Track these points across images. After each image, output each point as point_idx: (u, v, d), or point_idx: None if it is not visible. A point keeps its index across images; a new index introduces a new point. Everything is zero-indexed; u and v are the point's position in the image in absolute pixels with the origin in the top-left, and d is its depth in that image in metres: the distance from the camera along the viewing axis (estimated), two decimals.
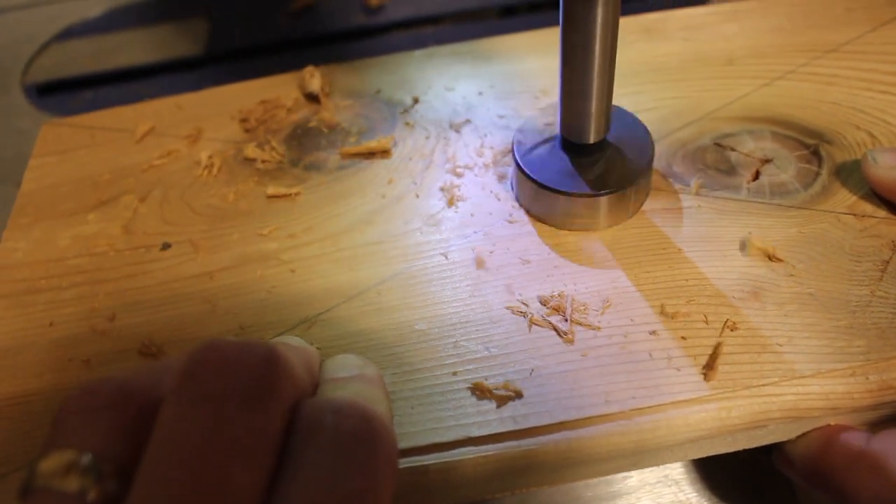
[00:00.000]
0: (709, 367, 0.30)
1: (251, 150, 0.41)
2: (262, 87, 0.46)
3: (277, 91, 0.45)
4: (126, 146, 0.44)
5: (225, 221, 0.39)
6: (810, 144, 0.38)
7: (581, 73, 0.32)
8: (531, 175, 0.35)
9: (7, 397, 0.33)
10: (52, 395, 0.33)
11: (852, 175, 0.37)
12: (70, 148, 0.44)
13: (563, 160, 0.36)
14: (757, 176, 0.37)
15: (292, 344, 0.31)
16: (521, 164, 0.36)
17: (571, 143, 0.35)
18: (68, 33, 0.65)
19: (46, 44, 0.64)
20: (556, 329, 0.32)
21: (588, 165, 0.35)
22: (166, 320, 0.35)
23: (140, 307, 0.36)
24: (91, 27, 0.65)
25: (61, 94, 0.60)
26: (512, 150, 0.37)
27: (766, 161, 0.38)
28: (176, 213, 0.39)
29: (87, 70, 0.61)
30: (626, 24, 0.46)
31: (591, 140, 0.34)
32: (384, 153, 0.41)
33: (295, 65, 0.57)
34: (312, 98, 0.44)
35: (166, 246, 0.38)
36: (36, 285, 0.37)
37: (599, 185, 0.34)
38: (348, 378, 0.29)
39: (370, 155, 0.41)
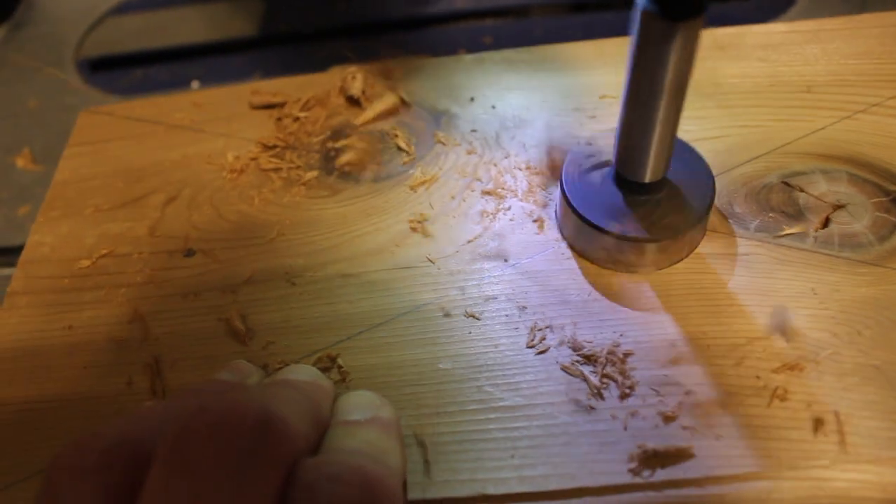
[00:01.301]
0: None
1: (279, 160, 0.39)
2: (303, 84, 0.44)
3: (318, 89, 0.43)
4: (161, 140, 0.42)
5: (252, 230, 0.37)
6: (891, 191, 0.35)
7: (645, 108, 0.29)
8: (578, 209, 0.33)
9: (19, 401, 0.33)
10: (62, 405, 0.32)
11: None
12: (105, 139, 0.43)
13: (615, 196, 0.33)
14: (826, 223, 0.34)
15: (302, 378, 0.29)
16: (568, 195, 0.33)
17: (626, 179, 0.32)
18: (124, 7, 0.64)
19: (101, 18, 0.63)
20: (587, 381, 0.30)
21: (641, 205, 0.32)
22: (182, 335, 0.34)
23: (158, 318, 0.35)
24: (147, 1, 0.64)
25: (112, 70, 0.59)
26: (560, 178, 0.34)
27: (839, 207, 0.34)
28: (203, 217, 0.38)
29: (140, 47, 0.60)
30: None
31: (648, 180, 0.32)
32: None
33: (345, 53, 0.55)
34: (353, 101, 0.42)
35: (190, 253, 0.37)
36: (59, 284, 0.37)
37: (652, 230, 0.32)
38: (361, 423, 0.27)
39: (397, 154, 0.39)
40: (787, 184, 0.35)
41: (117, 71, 0.59)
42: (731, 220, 0.34)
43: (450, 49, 0.55)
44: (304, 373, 0.30)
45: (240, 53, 0.59)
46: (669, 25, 0.26)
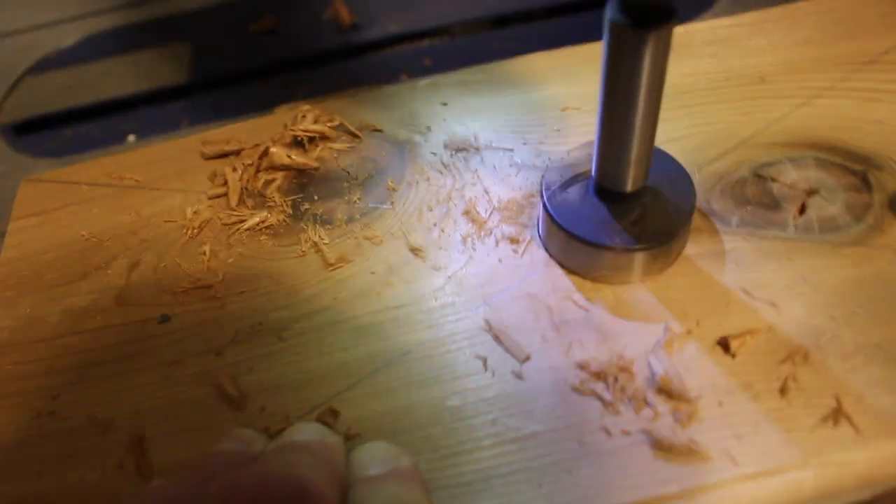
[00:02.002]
0: None
1: (242, 211, 0.38)
2: (253, 128, 0.42)
3: (270, 131, 0.42)
4: (113, 202, 0.40)
5: (227, 287, 0.35)
6: (857, 171, 0.35)
7: (623, 119, 0.29)
8: (563, 226, 0.32)
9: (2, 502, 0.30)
10: (50, 499, 0.30)
11: None
12: (52, 207, 0.41)
13: (598, 208, 0.33)
14: (803, 209, 0.34)
15: (310, 438, 0.28)
16: (551, 212, 0.33)
17: (607, 190, 0.32)
18: (43, 65, 0.61)
19: (20, 78, 0.60)
20: (600, 399, 0.30)
21: (626, 214, 0.32)
22: (170, 407, 0.32)
23: (142, 392, 0.33)
24: (67, 57, 0.61)
25: (39, 132, 0.56)
26: (541, 196, 0.34)
27: (812, 192, 0.35)
28: (172, 280, 0.36)
29: (65, 105, 0.57)
30: None
31: (629, 189, 0.31)
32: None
33: (285, 91, 0.53)
34: (309, 140, 0.40)
35: (165, 319, 0.35)
36: (27, 370, 0.34)
37: (640, 238, 0.31)
38: (381, 477, 0.26)
39: (375, 209, 0.38)
40: (758, 175, 0.36)
41: (44, 132, 0.56)
42: (712, 218, 0.35)
43: (391, 74, 0.55)
44: (309, 432, 0.28)
45: (173, 101, 0.57)
46: (640, 35, 0.26)
